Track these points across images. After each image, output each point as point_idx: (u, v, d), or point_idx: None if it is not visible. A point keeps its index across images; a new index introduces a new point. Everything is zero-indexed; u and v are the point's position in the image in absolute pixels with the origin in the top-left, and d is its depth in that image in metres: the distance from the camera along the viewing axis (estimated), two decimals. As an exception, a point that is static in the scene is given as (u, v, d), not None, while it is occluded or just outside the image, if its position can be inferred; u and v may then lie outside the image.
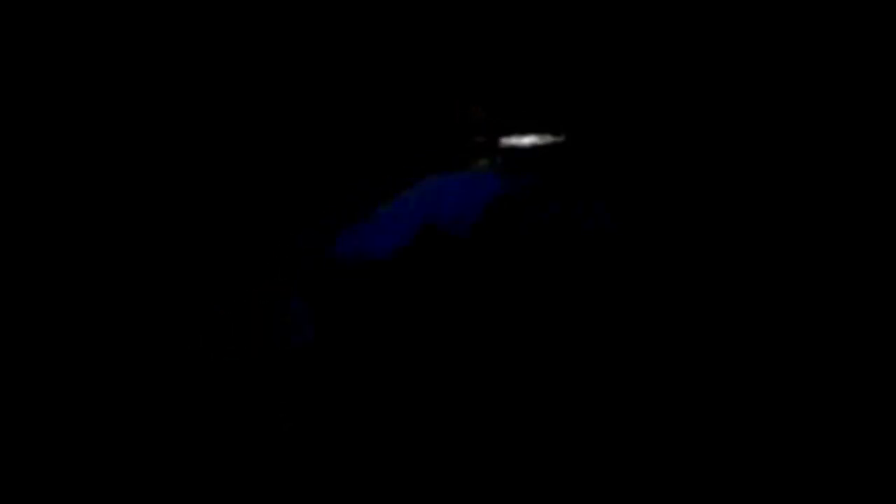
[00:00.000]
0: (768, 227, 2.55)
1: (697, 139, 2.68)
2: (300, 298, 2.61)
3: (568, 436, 2.47)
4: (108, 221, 2.75)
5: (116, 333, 2.67)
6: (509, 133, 2.75)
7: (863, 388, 2.42)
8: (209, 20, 2.83)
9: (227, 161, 2.81)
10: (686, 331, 2.51)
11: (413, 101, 2.80)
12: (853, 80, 2.65)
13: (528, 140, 2.73)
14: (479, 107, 2.77)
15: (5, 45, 2.79)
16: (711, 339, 2.50)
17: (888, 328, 2.44)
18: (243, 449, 2.56)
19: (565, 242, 2.52)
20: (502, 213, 2.53)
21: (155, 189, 2.79)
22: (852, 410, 2.40)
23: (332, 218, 2.73)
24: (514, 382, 2.51)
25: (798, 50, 2.69)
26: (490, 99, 2.78)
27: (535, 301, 2.52)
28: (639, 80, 2.74)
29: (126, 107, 2.82)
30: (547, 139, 2.72)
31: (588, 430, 2.47)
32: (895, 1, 2.62)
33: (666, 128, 2.70)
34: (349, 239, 2.58)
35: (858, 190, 2.56)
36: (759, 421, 2.43)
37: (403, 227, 2.55)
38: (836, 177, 2.59)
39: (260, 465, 2.54)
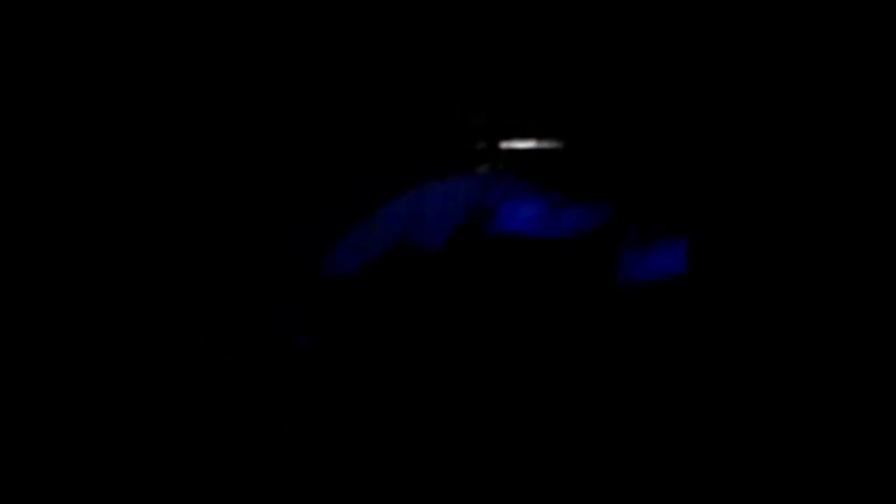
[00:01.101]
0: (768, 231, 2.56)
1: (700, 143, 2.70)
2: (297, 309, 2.64)
3: (553, 436, 2.49)
4: (108, 222, 2.75)
5: (117, 333, 2.67)
6: (510, 137, 2.76)
7: (864, 388, 2.44)
8: (209, 21, 2.83)
9: (227, 162, 2.82)
10: (670, 334, 2.52)
11: (414, 105, 2.81)
12: (851, 87, 2.67)
13: (528, 144, 2.74)
14: (480, 110, 2.78)
15: (5, 45, 2.78)
16: (694, 343, 2.51)
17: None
18: (243, 449, 2.56)
19: (533, 249, 2.54)
20: (471, 224, 2.56)
21: (155, 189, 2.79)
22: (852, 410, 2.42)
23: (332, 218, 2.74)
24: (500, 383, 2.54)
25: (798, 53, 2.71)
26: (491, 102, 2.79)
27: (505, 306, 2.55)
28: (640, 84, 2.75)
29: (126, 107, 2.82)
30: (548, 143, 2.74)
31: (571, 431, 2.49)
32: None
33: (667, 132, 2.72)
34: (335, 254, 2.64)
35: (863, 196, 2.58)
36: (759, 422, 2.44)
37: (383, 242, 2.61)
38: (834, 179, 2.61)
39: (260, 465, 2.55)
